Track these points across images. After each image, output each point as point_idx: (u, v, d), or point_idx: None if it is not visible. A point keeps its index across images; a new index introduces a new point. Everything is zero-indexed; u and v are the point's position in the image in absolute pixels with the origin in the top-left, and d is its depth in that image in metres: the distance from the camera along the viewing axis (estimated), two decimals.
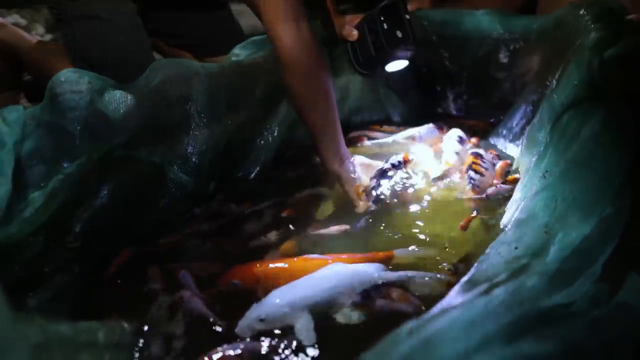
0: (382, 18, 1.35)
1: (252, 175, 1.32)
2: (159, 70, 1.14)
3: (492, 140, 1.44)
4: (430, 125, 1.51)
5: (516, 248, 0.67)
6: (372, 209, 1.16)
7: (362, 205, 1.18)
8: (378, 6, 1.37)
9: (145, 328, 0.83)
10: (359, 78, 1.54)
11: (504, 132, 1.41)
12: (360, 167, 1.25)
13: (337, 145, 1.22)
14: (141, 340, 0.80)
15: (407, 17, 1.33)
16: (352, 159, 1.25)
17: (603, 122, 0.81)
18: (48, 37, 1.74)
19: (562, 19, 1.27)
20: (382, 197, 1.19)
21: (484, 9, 1.49)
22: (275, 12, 1.12)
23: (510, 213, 0.99)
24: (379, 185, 1.21)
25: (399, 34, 1.33)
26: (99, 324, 0.75)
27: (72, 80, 1.01)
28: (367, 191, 1.20)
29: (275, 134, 1.34)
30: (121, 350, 0.75)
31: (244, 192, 1.26)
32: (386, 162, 1.27)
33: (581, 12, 1.16)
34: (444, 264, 0.95)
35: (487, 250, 0.73)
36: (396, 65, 1.42)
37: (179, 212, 1.14)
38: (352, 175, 1.22)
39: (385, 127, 1.58)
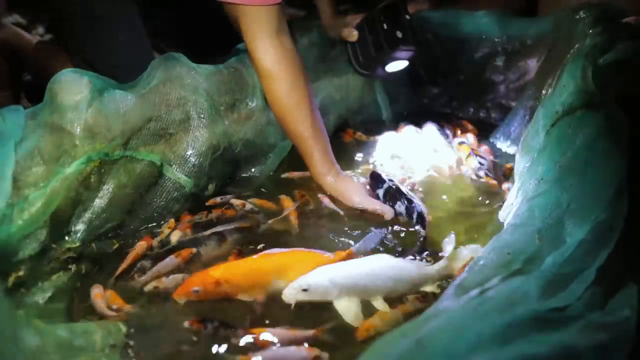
0: (382, 18, 1.35)
1: (255, 176, 1.32)
2: (159, 70, 1.15)
3: (492, 143, 1.45)
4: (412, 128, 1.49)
5: (508, 253, 0.68)
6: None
7: (387, 211, 1.12)
8: (378, 7, 1.37)
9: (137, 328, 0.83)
10: (359, 78, 1.54)
11: (503, 136, 1.41)
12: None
13: (328, 157, 1.20)
14: (135, 341, 0.80)
15: (407, 17, 1.34)
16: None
17: (598, 129, 0.81)
18: (48, 37, 1.74)
19: (559, 22, 1.27)
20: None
21: (483, 11, 1.49)
22: (256, 27, 1.11)
23: (503, 217, 1.00)
24: (406, 205, 1.12)
25: (399, 34, 1.33)
26: (95, 326, 0.76)
27: (72, 80, 1.01)
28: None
29: (277, 134, 1.33)
30: (117, 351, 0.76)
31: (245, 194, 1.25)
32: (377, 187, 1.19)
33: (578, 16, 1.17)
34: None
35: (479, 255, 0.73)
36: (396, 66, 1.43)
37: (177, 212, 1.14)
38: (359, 185, 1.19)
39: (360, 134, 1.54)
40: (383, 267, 0.91)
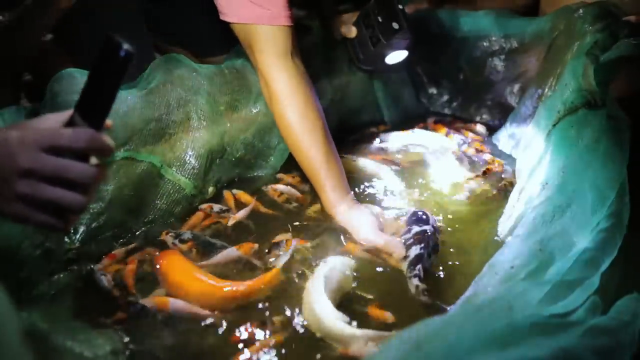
0: (376, 12, 1.36)
1: (256, 178, 1.31)
2: (159, 70, 1.15)
3: (493, 143, 1.44)
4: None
5: (512, 267, 0.67)
6: (425, 298, 0.89)
7: (398, 250, 0.99)
8: (371, 1, 1.38)
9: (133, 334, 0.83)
10: (359, 79, 1.54)
11: (506, 136, 1.41)
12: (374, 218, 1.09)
13: (341, 185, 1.12)
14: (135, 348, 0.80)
15: (400, 7, 1.34)
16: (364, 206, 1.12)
17: (599, 129, 0.81)
18: (48, 37, 1.74)
19: (558, 20, 1.27)
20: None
21: (483, 10, 1.49)
22: (269, 47, 1.09)
23: (506, 222, 0.99)
24: (428, 261, 0.97)
25: (395, 25, 1.33)
26: (97, 334, 0.76)
27: (72, 80, 1.01)
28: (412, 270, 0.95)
29: (279, 136, 1.32)
30: (117, 358, 0.77)
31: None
32: (416, 224, 1.03)
33: (577, 15, 1.16)
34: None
35: (484, 270, 0.73)
36: (396, 57, 1.43)
37: (177, 214, 1.14)
38: (371, 218, 1.07)
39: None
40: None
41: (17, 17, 1.20)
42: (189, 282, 0.92)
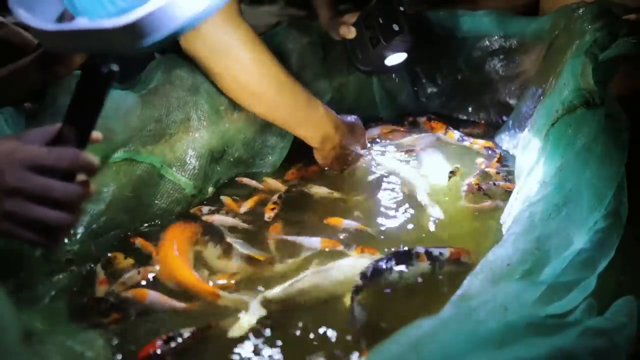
0: (376, 13, 1.36)
1: (255, 178, 1.29)
2: (158, 70, 1.15)
3: (495, 143, 1.44)
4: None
5: (508, 265, 0.67)
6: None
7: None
8: (372, 2, 1.38)
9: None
10: (357, 78, 1.54)
11: (507, 136, 1.41)
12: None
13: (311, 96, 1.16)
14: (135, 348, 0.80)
15: (402, 8, 1.34)
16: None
17: (597, 129, 0.80)
18: None
19: (558, 20, 1.27)
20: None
21: (483, 10, 1.49)
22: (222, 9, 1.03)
23: (504, 220, 0.99)
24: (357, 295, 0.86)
25: (396, 27, 1.34)
26: (97, 334, 0.77)
27: (72, 82, 1.01)
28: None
29: (278, 135, 1.32)
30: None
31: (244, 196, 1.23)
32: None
33: (576, 14, 1.16)
34: None
35: (478, 267, 0.72)
36: (396, 59, 1.43)
37: (176, 214, 1.14)
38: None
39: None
40: None
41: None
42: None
